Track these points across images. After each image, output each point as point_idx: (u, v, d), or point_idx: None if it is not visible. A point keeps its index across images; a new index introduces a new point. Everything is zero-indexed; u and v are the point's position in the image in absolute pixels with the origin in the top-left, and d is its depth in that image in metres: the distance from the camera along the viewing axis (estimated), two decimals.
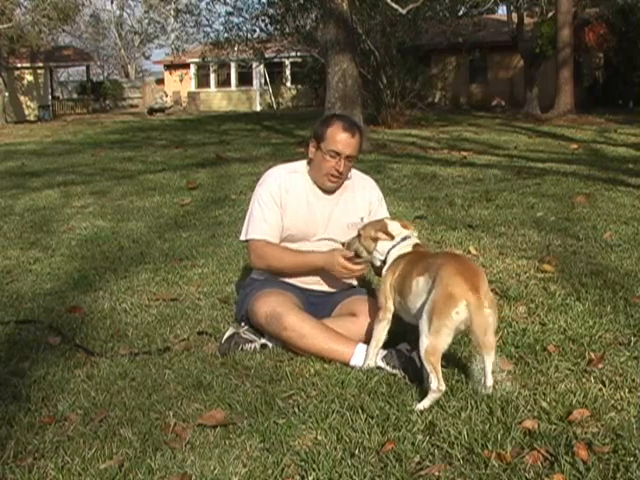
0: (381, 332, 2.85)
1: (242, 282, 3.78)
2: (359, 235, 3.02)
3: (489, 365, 2.57)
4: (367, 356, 2.86)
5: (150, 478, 2.15)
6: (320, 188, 3.26)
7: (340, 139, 3.14)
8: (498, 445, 2.22)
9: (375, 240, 2.96)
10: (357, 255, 3.03)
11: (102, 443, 2.34)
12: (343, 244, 3.11)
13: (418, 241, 3.00)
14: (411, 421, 2.40)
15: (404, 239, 2.94)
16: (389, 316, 2.85)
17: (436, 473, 2.11)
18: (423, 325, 2.53)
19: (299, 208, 3.24)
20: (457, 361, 2.88)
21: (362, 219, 3.26)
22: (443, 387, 2.50)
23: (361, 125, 3.44)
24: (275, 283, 3.27)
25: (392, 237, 2.93)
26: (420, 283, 2.67)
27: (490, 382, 2.58)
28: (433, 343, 2.50)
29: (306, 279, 3.28)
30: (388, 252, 2.93)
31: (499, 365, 2.70)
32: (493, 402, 2.50)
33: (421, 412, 2.45)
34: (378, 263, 2.99)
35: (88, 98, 34.81)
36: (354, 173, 3.41)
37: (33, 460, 2.26)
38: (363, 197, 3.34)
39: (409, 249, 2.91)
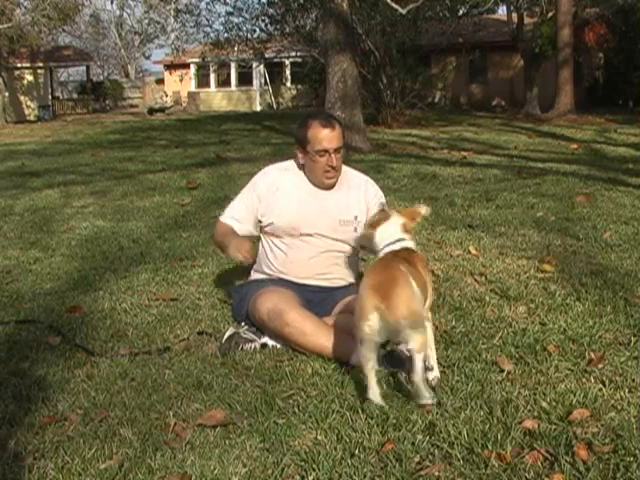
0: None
1: (239, 284, 3.79)
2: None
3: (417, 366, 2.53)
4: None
5: (150, 478, 2.15)
6: (317, 186, 3.31)
7: (323, 137, 3.19)
8: (498, 445, 2.22)
9: (374, 229, 2.90)
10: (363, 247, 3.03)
11: (102, 443, 2.34)
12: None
13: (409, 245, 2.88)
14: (411, 421, 2.40)
15: (398, 241, 2.86)
16: None
17: (436, 473, 2.11)
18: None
19: (290, 204, 3.30)
20: (456, 361, 2.88)
21: (356, 217, 3.30)
22: (376, 399, 2.50)
23: (335, 116, 3.50)
24: (274, 282, 3.31)
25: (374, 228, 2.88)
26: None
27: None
28: (361, 352, 2.57)
29: (299, 273, 3.31)
30: (382, 250, 2.86)
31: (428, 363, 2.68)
32: (493, 402, 2.50)
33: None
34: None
35: (88, 98, 34.81)
36: (354, 173, 3.47)
37: (33, 460, 2.26)
38: (358, 195, 3.37)
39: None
